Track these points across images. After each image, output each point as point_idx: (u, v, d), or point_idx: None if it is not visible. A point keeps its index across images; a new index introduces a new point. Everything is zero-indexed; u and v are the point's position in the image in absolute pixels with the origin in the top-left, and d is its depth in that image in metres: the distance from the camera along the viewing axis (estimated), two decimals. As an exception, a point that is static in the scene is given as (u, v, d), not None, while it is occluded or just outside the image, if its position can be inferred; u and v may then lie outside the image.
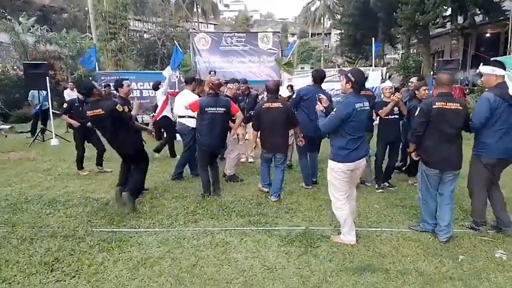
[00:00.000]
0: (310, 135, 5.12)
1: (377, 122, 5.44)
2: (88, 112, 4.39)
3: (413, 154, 3.89)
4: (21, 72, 13.07)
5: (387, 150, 5.35)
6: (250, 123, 5.98)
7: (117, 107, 4.32)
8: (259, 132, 5.01)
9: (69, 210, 4.57)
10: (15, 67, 15.98)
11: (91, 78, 11.83)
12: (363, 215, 4.35)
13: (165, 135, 7.79)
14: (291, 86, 8.07)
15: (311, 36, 53.27)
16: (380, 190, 5.24)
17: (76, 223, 4.13)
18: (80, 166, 6.38)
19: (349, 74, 3.43)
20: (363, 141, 3.53)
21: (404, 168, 6.19)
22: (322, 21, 45.25)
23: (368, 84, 6.71)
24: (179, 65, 12.66)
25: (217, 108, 4.81)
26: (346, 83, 3.45)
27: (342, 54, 34.50)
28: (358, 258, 3.33)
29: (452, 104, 3.48)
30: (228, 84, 5.96)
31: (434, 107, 3.50)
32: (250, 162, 7.10)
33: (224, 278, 3.01)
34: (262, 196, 5.06)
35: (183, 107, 5.45)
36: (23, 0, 23.97)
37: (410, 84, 6.13)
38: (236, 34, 13.63)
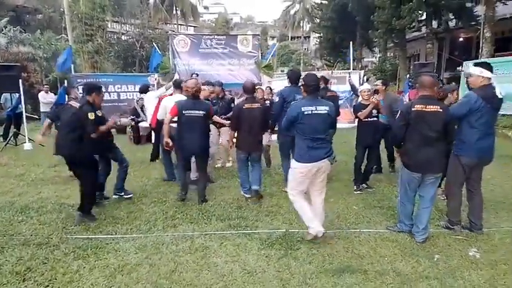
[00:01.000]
0: (293, 136, 5.15)
1: (355, 124, 5.51)
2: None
3: (398, 156, 3.96)
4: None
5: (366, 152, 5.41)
6: (225, 128, 5.94)
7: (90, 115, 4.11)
8: (235, 133, 5.05)
9: (42, 217, 4.42)
10: (-14, 69, 15.45)
11: (66, 80, 11.50)
12: (342, 217, 4.40)
13: (153, 139, 7.63)
14: (270, 88, 8.08)
15: (291, 40, 53.76)
16: (359, 192, 5.31)
17: (50, 230, 4.00)
18: None
19: (301, 78, 3.60)
20: (323, 143, 3.57)
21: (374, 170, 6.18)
22: (301, 24, 45.75)
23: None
24: (157, 67, 12.52)
25: (196, 112, 4.70)
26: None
27: (321, 57, 34.94)
28: (337, 259, 3.35)
29: (432, 106, 3.47)
30: (202, 86, 5.86)
31: (413, 109, 3.53)
32: (227, 166, 7.06)
33: (203, 284, 2.97)
34: (242, 199, 5.04)
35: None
36: (-5, 0, 23.24)
37: (374, 86, 6.09)
38: (216, 36, 13.61)
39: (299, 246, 3.60)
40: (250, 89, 5.01)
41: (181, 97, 5.39)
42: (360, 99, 5.53)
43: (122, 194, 5.07)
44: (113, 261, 3.32)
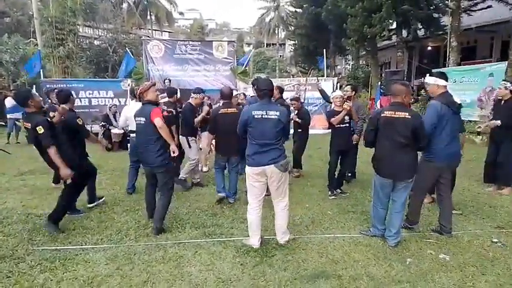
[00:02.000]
0: None
1: (330, 130, 5.56)
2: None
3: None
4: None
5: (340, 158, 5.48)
6: (205, 132, 5.95)
7: (38, 129, 3.75)
8: (214, 136, 5.14)
9: (7, 228, 4.23)
10: None
11: (35, 85, 11.12)
12: (317, 222, 4.43)
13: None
14: (244, 94, 8.08)
15: (266, 46, 54.19)
16: (333, 197, 5.37)
17: (15, 242, 3.82)
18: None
19: (253, 83, 3.74)
20: (271, 149, 3.55)
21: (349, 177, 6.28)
22: (276, 31, 46.15)
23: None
24: (131, 72, 12.32)
25: (141, 118, 4.09)
26: None
27: (296, 64, 35.29)
28: (312, 265, 3.36)
29: (401, 113, 3.55)
30: (193, 94, 5.82)
31: (382, 115, 3.63)
32: (204, 171, 7.01)
33: (177, 294, 2.91)
34: (217, 207, 4.99)
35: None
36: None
37: (344, 92, 5.94)
38: (190, 42, 13.57)
39: (274, 253, 3.59)
40: (227, 94, 5.10)
41: (138, 105, 4.96)
42: (333, 105, 5.60)
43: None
44: (83, 272, 3.20)
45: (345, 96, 5.65)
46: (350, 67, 27.50)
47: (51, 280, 3.08)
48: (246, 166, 3.67)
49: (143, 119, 4.04)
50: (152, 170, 4.21)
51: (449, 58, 14.44)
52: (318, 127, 11.55)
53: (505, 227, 4.25)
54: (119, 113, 8.01)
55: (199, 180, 6.10)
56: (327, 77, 14.89)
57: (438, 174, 3.92)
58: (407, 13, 14.51)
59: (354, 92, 5.99)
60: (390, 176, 3.69)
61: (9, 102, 11.35)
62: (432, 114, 3.75)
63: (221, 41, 14.28)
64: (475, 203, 5.12)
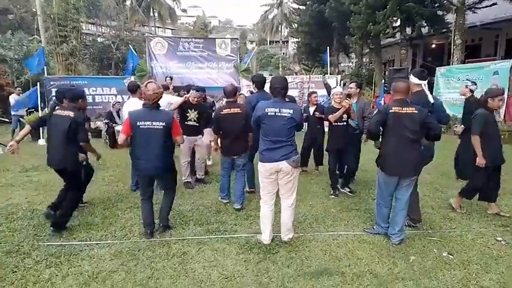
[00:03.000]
0: None
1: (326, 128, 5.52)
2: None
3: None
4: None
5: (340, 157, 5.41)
6: (208, 129, 5.92)
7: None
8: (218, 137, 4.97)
9: (13, 223, 4.26)
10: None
11: (38, 83, 11.15)
12: (320, 219, 4.43)
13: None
14: (245, 95, 8.05)
15: (270, 44, 54.08)
16: (333, 196, 5.33)
17: (21, 237, 3.85)
18: None
19: (268, 82, 3.82)
20: (283, 146, 3.55)
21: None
22: (280, 29, 46.02)
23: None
24: (134, 70, 12.34)
25: (153, 123, 3.72)
26: None
27: (299, 62, 35.22)
28: (315, 262, 3.37)
29: (407, 108, 3.55)
30: (191, 92, 5.76)
31: (390, 111, 3.60)
32: (208, 164, 7.00)
33: (181, 290, 2.93)
34: (221, 204, 5.00)
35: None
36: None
37: (348, 90, 5.76)
38: (194, 40, 13.54)
39: (278, 249, 3.61)
40: (231, 93, 4.84)
41: (137, 102, 4.97)
42: (332, 102, 5.48)
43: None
44: (88, 268, 3.23)
45: (346, 93, 5.54)
46: (354, 65, 27.43)
47: (57, 275, 3.11)
48: (260, 162, 3.68)
49: (161, 124, 3.72)
50: (158, 175, 3.99)
51: (453, 56, 14.39)
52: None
53: (509, 226, 4.24)
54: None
55: (203, 176, 6.11)
56: (330, 74, 14.86)
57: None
58: (411, 10, 14.45)
59: (358, 89, 5.86)
60: (396, 173, 3.68)
61: (14, 99, 11.41)
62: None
63: (224, 38, 14.25)
64: (479, 202, 5.09)
